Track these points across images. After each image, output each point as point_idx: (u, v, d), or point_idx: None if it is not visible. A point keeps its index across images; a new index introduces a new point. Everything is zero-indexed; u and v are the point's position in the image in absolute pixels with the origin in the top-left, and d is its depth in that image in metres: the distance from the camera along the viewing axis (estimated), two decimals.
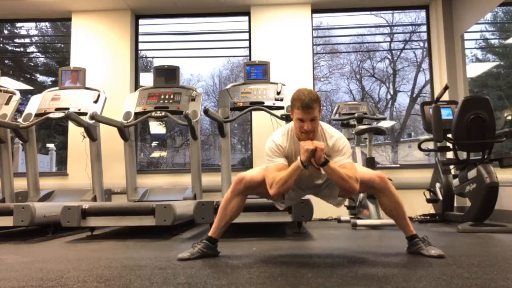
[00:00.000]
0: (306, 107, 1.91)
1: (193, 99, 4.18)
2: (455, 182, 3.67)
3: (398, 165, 5.27)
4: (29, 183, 4.23)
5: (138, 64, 5.46)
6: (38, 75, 9.11)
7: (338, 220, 4.14)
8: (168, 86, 4.33)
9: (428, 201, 4.13)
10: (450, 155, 3.88)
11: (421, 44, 6.63)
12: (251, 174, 2.10)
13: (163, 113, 4.15)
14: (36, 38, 7.71)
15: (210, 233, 2.13)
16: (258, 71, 4.33)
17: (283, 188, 1.96)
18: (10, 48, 7.68)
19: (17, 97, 4.17)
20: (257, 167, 2.24)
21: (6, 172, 4.12)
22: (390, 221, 2.27)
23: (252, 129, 5.07)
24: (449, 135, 3.39)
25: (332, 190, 2.15)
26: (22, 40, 7.80)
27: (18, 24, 7.10)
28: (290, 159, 2.05)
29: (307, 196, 3.07)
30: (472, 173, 3.28)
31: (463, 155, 3.52)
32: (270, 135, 2.13)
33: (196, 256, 2.05)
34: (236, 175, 2.13)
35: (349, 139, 4.04)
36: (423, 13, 5.40)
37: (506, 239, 2.73)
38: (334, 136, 2.06)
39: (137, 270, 1.78)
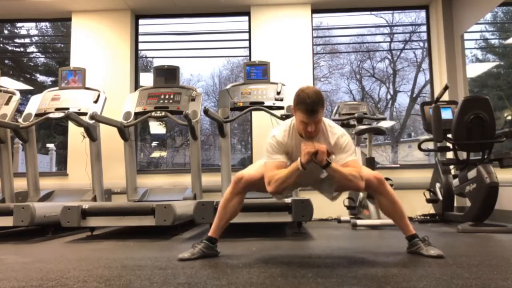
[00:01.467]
0: (311, 111, 1.87)
1: (193, 99, 4.18)
2: (455, 182, 3.66)
3: (398, 165, 5.27)
4: (29, 183, 4.23)
5: (138, 64, 5.46)
6: (38, 75, 9.12)
7: (338, 220, 4.14)
8: (168, 86, 4.32)
9: (428, 201, 4.12)
10: (450, 155, 3.88)
11: (421, 44, 6.64)
12: (249, 172, 2.10)
13: (163, 113, 4.14)
14: (36, 38, 7.71)
15: (210, 233, 2.13)
16: (258, 71, 4.32)
17: (281, 188, 1.96)
18: (10, 48, 7.68)
19: (17, 97, 4.17)
20: (256, 162, 2.25)
21: (6, 172, 4.12)
22: (390, 221, 2.27)
23: (252, 129, 5.07)
24: (449, 135, 3.39)
25: (332, 186, 2.13)
26: (22, 40, 7.81)
27: (18, 24, 7.11)
28: (290, 155, 2.05)
29: (307, 196, 3.11)
30: (472, 173, 3.28)
31: (463, 155, 3.51)
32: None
33: (196, 256, 2.05)
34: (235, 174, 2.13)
35: None
36: (423, 13, 5.39)
37: (506, 239, 2.73)
38: (336, 133, 2.03)
39: (137, 270, 1.78)
